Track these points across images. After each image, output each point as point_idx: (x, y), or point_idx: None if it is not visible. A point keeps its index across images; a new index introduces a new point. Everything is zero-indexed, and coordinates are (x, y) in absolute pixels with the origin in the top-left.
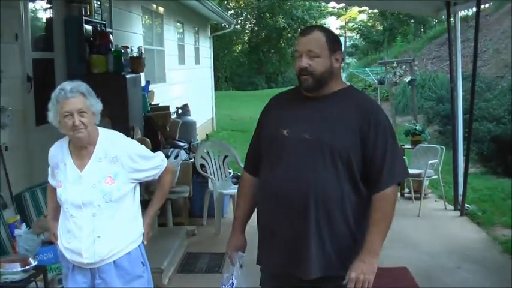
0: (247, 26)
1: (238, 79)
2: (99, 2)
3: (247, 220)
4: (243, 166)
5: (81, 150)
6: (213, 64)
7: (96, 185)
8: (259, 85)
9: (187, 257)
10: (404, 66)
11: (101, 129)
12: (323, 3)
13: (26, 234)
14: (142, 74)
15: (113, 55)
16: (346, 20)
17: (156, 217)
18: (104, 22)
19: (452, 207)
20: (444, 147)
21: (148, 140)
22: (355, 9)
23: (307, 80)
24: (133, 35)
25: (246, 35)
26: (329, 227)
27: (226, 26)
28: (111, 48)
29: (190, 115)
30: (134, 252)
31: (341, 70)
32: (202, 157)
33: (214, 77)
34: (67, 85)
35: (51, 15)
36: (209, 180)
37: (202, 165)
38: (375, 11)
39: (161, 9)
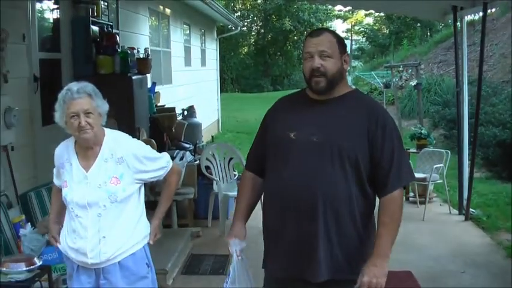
0: (254, 29)
1: (244, 81)
2: (106, 3)
3: (248, 213)
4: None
5: (87, 150)
6: (219, 66)
7: (101, 186)
8: (265, 87)
9: (192, 258)
10: (410, 70)
11: (107, 130)
12: (329, 6)
13: (31, 234)
14: (148, 75)
15: (120, 56)
16: (353, 23)
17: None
18: (111, 23)
19: (457, 212)
20: (449, 152)
21: (153, 141)
22: (362, 12)
23: (321, 82)
24: (140, 36)
25: (252, 37)
26: (337, 228)
27: (233, 28)
28: (118, 49)
29: (196, 117)
30: (139, 253)
31: (347, 74)
32: (207, 159)
33: (220, 79)
34: (74, 86)
35: (58, 16)
36: (214, 182)
37: (207, 167)
38: (382, 14)
39: (168, 10)
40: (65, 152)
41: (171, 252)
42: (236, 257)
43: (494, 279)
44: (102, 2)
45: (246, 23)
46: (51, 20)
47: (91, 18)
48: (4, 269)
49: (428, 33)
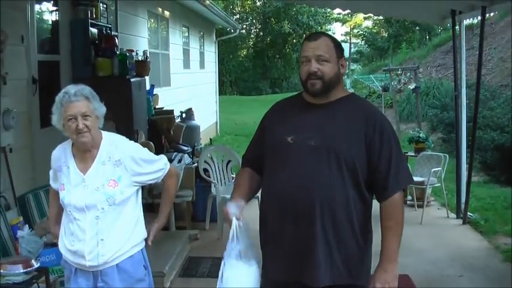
0: (253, 31)
1: (243, 84)
2: (105, 5)
3: (246, 195)
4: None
5: (84, 153)
6: (217, 69)
7: (99, 188)
8: (264, 90)
9: (189, 261)
10: (408, 74)
11: (104, 133)
12: (328, 10)
13: (29, 236)
14: (147, 78)
15: (118, 58)
16: (352, 27)
17: None
18: (110, 25)
19: (454, 216)
20: (447, 155)
21: (152, 143)
22: (361, 15)
23: (316, 84)
24: (138, 39)
25: (251, 40)
26: (335, 232)
27: (232, 30)
28: (117, 51)
29: (194, 119)
30: (137, 256)
31: (345, 77)
32: (205, 161)
33: (219, 82)
34: (71, 89)
35: (57, 18)
36: (212, 185)
37: (205, 170)
38: (380, 17)
39: (167, 13)
40: (62, 155)
41: (169, 254)
42: (236, 220)
43: (492, 283)
44: (101, 4)
45: (245, 26)
46: (50, 22)
47: (90, 20)
48: (2, 270)
49: (427, 37)
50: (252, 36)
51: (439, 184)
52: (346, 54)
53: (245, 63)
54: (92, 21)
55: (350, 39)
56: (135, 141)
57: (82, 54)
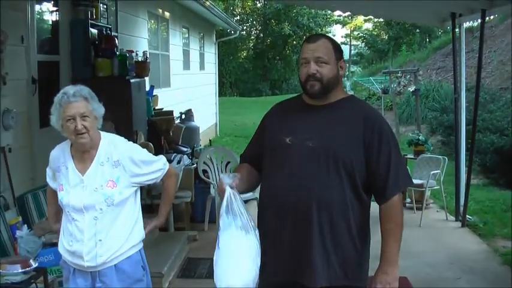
0: (253, 33)
1: (243, 85)
2: (105, 6)
3: (242, 180)
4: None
5: (83, 154)
6: (217, 70)
7: (98, 189)
8: (264, 92)
9: (188, 262)
10: (408, 76)
11: (103, 133)
12: (329, 12)
13: (28, 236)
14: (146, 79)
15: (118, 59)
16: (352, 29)
17: None
18: (110, 26)
19: (453, 218)
20: (447, 158)
21: (151, 144)
22: (361, 18)
23: (315, 85)
24: (138, 40)
25: (251, 42)
26: (332, 234)
27: (232, 32)
28: (117, 52)
29: (193, 120)
30: (135, 256)
31: (345, 78)
32: (204, 163)
33: (219, 83)
34: (70, 89)
35: (57, 18)
36: (211, 186)
37: (204, 171)
38: (381, 20)
39: (167, 14)
40: (60, 155)
41: (168, 255)
42: (230, 189)
43: (490, 285)
44: (101, 5)
45: (245, 27)
46: (50, 22)
47: (90, 21)
48: (0, 270)
49: (427, 40)
50: (252, 37)
51: (438, 187)
52: (346, 56)
53: (245, 65)
54: (92, 21)
55: (350, 41)
56: (134, 142)
57: (82, 55)
